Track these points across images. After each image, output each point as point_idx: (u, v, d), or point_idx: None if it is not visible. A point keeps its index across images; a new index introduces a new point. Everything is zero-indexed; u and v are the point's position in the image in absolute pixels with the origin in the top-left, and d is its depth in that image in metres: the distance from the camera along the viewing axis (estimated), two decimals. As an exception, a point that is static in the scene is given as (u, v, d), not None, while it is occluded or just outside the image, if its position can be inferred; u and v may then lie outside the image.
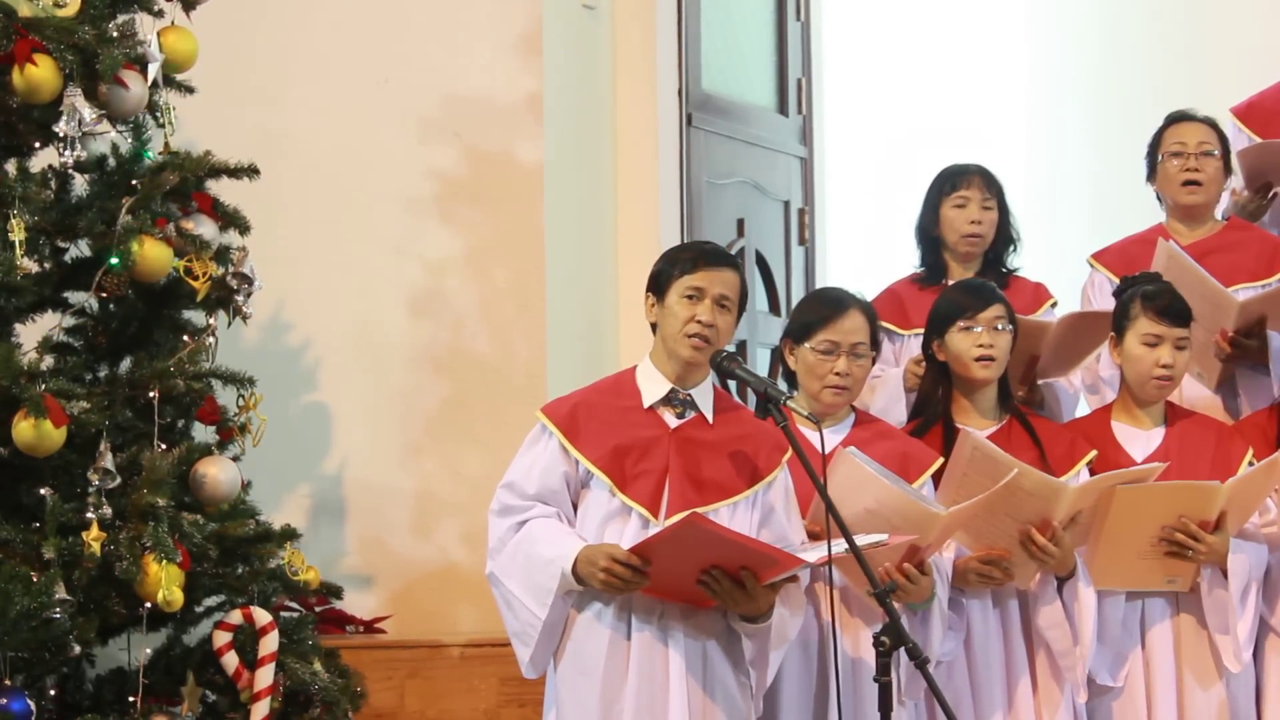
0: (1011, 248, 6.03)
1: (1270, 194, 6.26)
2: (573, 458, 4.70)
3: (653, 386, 4.75)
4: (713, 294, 4.68)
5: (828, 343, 5.00)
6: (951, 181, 5.99)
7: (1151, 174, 6.03)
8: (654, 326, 4.77)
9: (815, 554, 4.55)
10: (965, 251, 5.97)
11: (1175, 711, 5.21)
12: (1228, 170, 6.00)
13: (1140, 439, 5.36)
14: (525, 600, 4.66)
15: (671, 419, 4.74)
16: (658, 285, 4.73)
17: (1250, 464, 5.30)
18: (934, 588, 4.91)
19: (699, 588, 4.56)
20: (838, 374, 5.00)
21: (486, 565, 4.75)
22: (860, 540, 4.46)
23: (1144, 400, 5.37)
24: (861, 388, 5.15)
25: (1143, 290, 5.35)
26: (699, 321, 4.66)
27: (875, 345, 5.09)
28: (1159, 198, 6.06)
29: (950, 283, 5.75)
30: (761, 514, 4.74)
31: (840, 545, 4.46)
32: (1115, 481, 5.08)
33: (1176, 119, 6.01)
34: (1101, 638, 5.15)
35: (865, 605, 4.92)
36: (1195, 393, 5.76)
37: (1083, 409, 5.84)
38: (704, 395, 4.77)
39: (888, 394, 5.68)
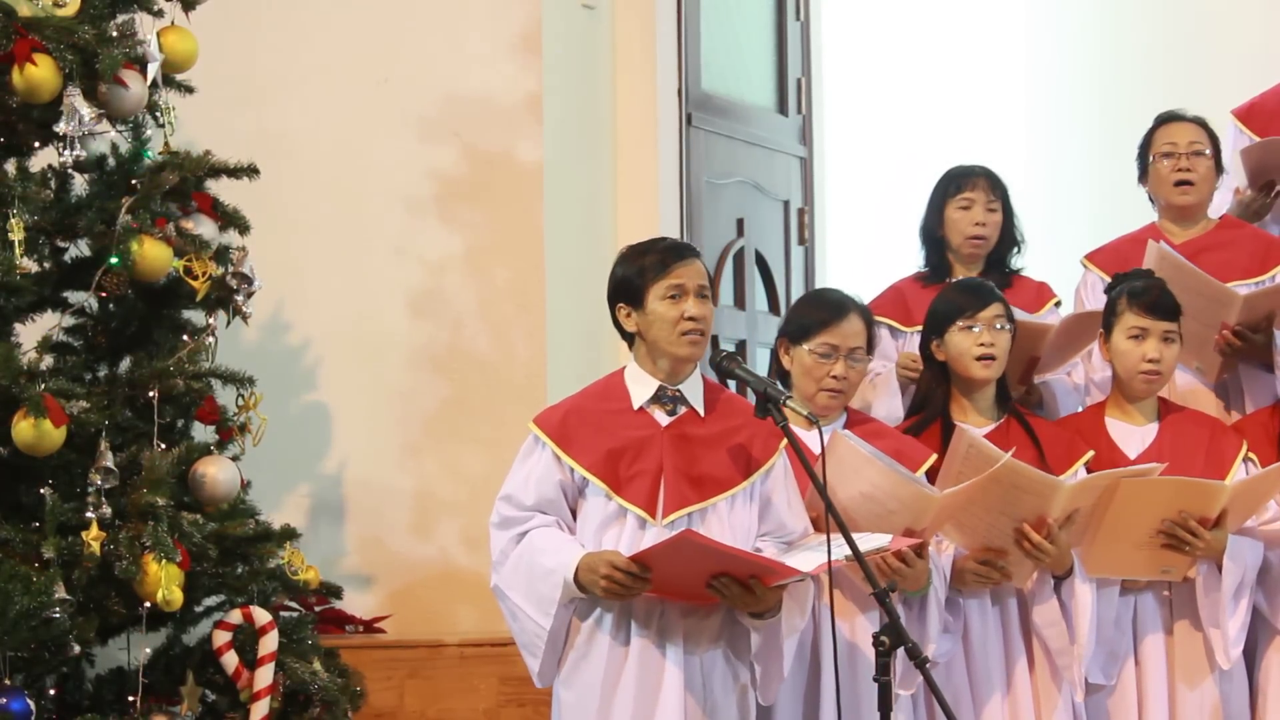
0: (1016, 249, 6.01)
1: (1274, 192, 6.24)
2: (567, 466, 4.68)
3: (641, 388, 4.73)
4: (692, 287, 4.66)
5: (827, 346, 4.99)
6: (956, 183, 5.96)
7: (1143, 175, 6.01)
8: (629, 337, 4.75)
9: (814, 562, 4.54)
10: (969, 253, 5.95)
11: (1167, 710, 5.22)
12: (1219, 169, 5.99)
13: (1134, 435, 5.36)
14: (530, 611, 4.65)
15: (663, 417, 4.72)
16: (629, 294, 4.70)
17: (1246, 459, 5.31)
18: (930, 576, 4.91)
19: (707, 590, 4.56)
20: (834, 378, 4.99)
21: (491, 578, 4.74)
22: (863, 544, 4.45)
23: (1134, 395, 5.37)
24: (855, 391, 5.14)
25: (1129, 286, 5.36)
26: (690, 318, 4.65)
27: (870, 349, 5.08)
28: (1151, 199, 6.05)
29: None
30: (760, 505, 4.74)
31: (840, 548, 4.45)
32: (1114, 479, 5.07)
33: (1166, 119, 5.99)
34: (1095, 637, 5.14)
35: (861, 591, 4.90)
36: (1193, 391, 5.75)
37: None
38: (693, 389, 4.75)
39: (888, 390, 5.67)
